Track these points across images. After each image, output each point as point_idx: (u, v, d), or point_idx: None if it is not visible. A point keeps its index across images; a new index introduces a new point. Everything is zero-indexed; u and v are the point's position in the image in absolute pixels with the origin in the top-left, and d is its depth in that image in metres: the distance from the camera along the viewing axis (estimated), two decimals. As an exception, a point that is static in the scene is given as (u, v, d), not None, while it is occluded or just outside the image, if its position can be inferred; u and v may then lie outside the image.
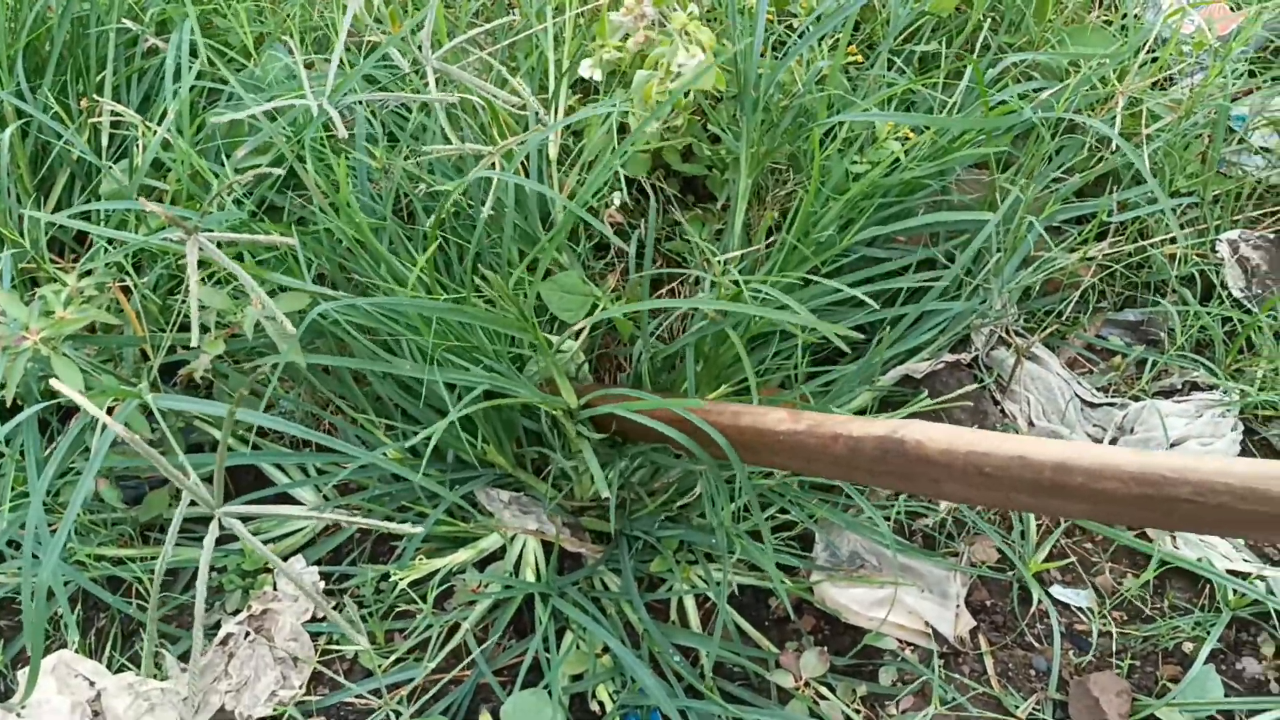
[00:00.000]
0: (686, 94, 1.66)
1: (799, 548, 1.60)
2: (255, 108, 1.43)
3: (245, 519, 1.08)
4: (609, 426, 1.44)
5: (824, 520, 1.57)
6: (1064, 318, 1.81)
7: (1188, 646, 1.49)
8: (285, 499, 1.64)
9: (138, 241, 1.42)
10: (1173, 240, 1.79)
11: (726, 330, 1.54)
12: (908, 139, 1.56)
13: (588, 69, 1.19)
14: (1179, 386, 1.77)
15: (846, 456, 1.05)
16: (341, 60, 1.53)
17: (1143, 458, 0.81)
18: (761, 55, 1.70)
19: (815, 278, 1.53)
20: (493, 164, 1.36)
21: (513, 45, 1.77)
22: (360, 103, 1.59)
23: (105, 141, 1.67)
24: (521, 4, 1.79)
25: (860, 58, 1.73)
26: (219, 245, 1.21)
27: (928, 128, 1.61)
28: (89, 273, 1.51)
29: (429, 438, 1.58)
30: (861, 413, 1.71)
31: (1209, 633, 1.47)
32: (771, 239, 1.77)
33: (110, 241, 1.50)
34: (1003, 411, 1.74)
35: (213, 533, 1.03)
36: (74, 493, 1.18)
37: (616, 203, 1.78)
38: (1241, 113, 1.99)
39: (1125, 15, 1.89)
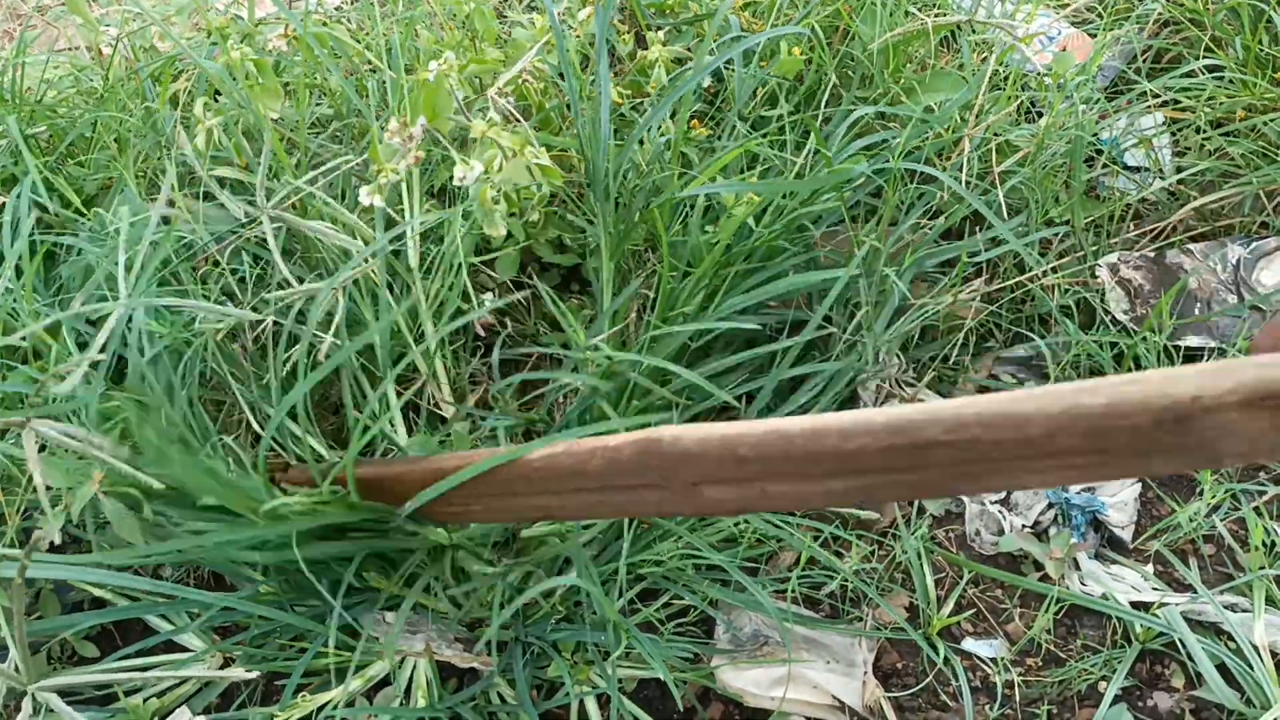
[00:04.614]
0: (539, 188, 1.66)
1: (702, 632, 1.55)
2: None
3: (64, 692, 1.04)
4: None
5: (722, 602, 1.53)
6: (950, 362, 1.79)
7: (1102, 686, 1.44)
8: (173, 646, 1.59)
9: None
10: (1045, 273, 1.78)
11: (603, 406, 1.52)
12: (751, 202, 1.55)
13: (366, 196, 1.17)
14: (1074, 417, 1.74)
15: (604, 470, 0.96)
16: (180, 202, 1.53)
17: (891, 411, 0.78)
18: (620, 143, 1.71)
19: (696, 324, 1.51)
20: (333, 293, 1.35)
21: (363, 164, 1.77)
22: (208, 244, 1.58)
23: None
24: (369, 127, 1.79)
25: (705, 131, 1.73)
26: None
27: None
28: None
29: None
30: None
31: (1116, 670, 1.43)
32: (641, 318, 1.76)
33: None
34: (898, 465, 1.71)
35: (26, 710, 0.99)
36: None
37: (488, 304, 1.77)
38: (1107, 137, 2.00)
39: (966, 60, 1.90)
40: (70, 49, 2.40)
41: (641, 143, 1.70)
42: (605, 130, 1.64)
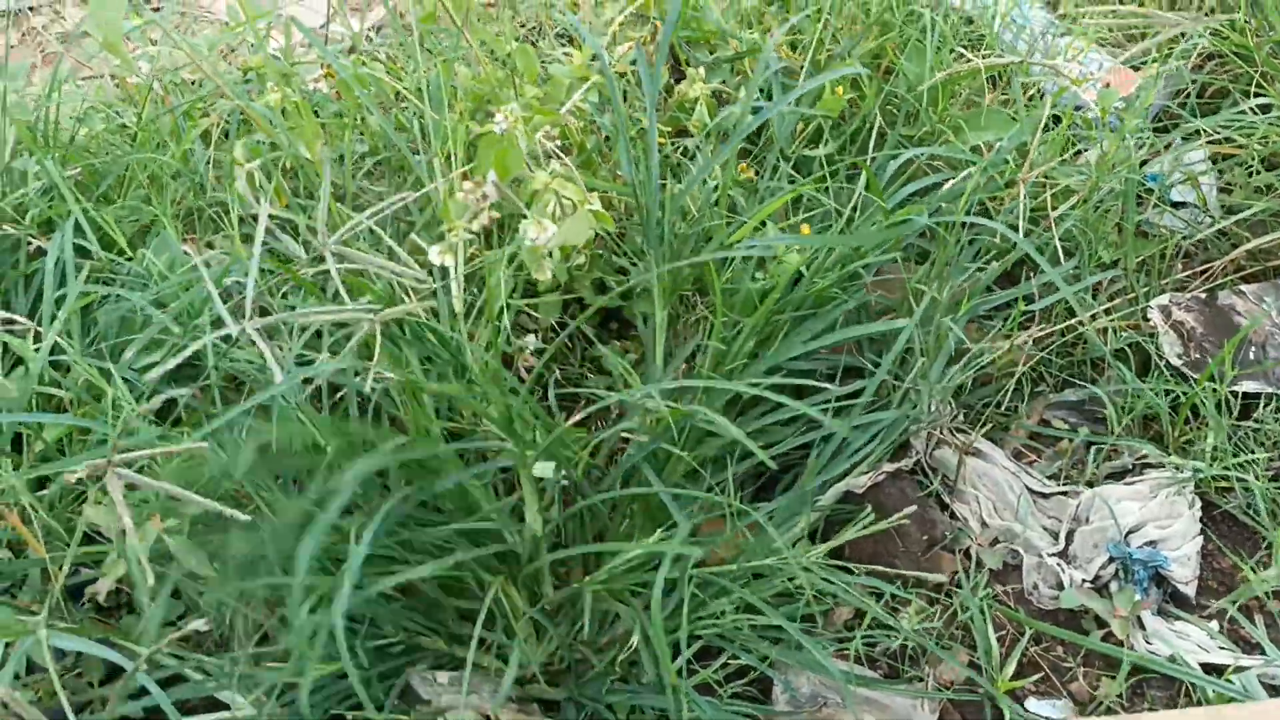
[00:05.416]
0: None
1: (759, 692, 1.51)
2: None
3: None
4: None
5: (779, 662, 1.49)
6: (1002, 408, 1.76)
7: (1173, 752, 1.41)
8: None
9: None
10: (1096, 316, 1.75)
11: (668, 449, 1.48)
12: (803, 251, 1.52)
13: (437, 256, 1.14)
14: (1130, 466, 1.71)
15: None
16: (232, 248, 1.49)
17: None
18: (662, 182, 1.67)
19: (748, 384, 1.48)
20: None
21: (407, 206, 1.74)
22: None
23: (-1, 350, 1.62)
24: (411, 165, 1.76)
25: (751, 174, 1.70)
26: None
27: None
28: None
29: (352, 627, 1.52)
30: (812, 537, 1.63)
31: (1190, 738, 1.39)
32: (691, 366, 1.72)
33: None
34: (952, 515, 1.67)
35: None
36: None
37: (531, 347, 1.73)
38: (1155, 173, 1.97)
39: (1016, 96, 1.87)
40: (95, 76, 2.37)
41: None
42: (655, 171, 1.60)
